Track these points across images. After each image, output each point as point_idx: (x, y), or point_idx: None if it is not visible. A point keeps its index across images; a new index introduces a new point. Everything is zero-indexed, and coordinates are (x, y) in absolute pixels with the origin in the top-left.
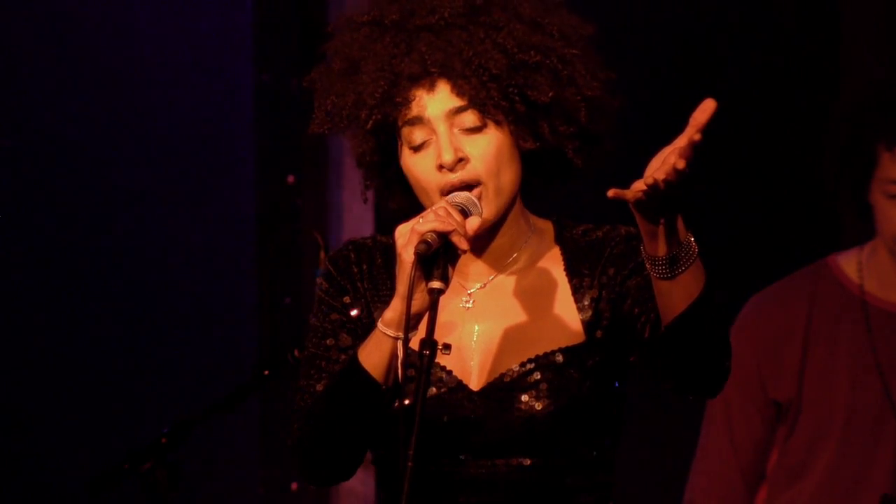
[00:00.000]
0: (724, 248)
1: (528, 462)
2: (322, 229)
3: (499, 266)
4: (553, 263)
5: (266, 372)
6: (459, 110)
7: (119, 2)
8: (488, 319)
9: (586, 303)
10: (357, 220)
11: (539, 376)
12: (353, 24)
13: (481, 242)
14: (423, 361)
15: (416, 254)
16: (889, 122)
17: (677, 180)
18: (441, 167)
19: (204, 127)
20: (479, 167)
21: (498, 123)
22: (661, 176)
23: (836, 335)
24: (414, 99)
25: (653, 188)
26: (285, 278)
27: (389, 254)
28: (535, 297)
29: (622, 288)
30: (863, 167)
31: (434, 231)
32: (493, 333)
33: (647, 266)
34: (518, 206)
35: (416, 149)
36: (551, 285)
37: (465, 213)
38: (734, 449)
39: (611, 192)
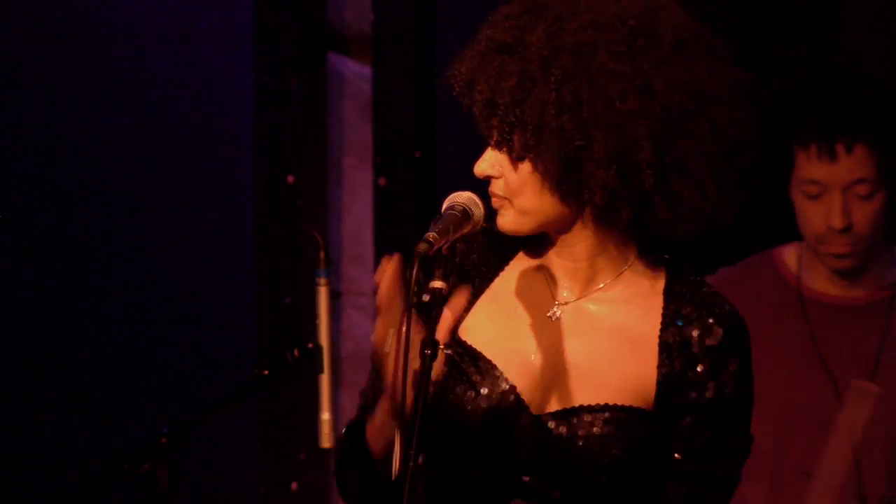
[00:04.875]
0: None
1: (567, 498)
2: (321, 229)
3: (585, 290)
4: (651, 312)
5: (266, 372)
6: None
7: (119, 2)
8: (569, 340)
9: (664, 377)
10: (357, 220)
11: (605, 423)
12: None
13: (559, 255)
14: (423, 362)
15: (418, 253)
16: (802, 120)
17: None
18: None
19: (204, 127)
20: (501, 185)
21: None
22: None
23: (776, 326)
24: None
25: None
26: (285, 278)
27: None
28: (619, 336)
29: (685, 404)
30: (781, 166)
31: (437, 231)
32: (569, 359)
33: None
34: (604, 235)
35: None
36: (639, 334)
37: (467, 213)
38: None
39: None
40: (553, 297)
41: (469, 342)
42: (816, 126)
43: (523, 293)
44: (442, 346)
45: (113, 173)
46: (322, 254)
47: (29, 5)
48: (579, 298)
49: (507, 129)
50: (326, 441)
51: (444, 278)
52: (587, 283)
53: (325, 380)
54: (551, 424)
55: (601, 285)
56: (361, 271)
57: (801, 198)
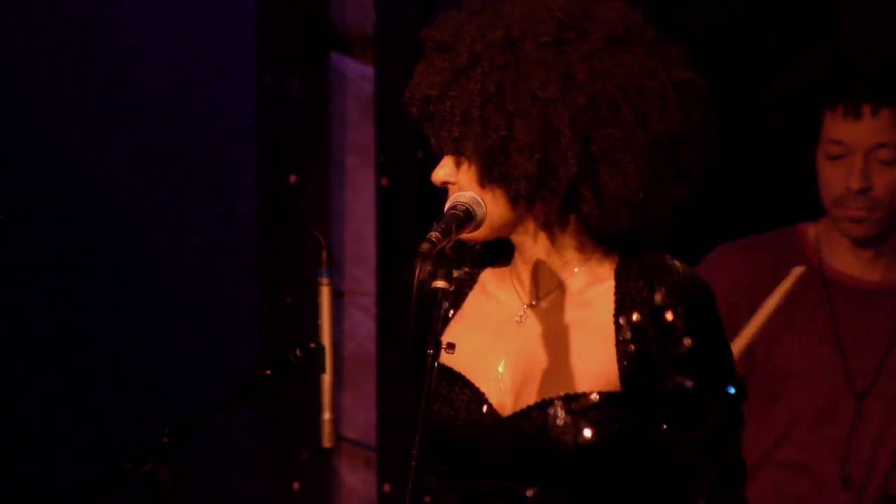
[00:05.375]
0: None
1: (549, 496)
2: (324, 229)
3: (546, 290)
4: (604, 297)
5: (267, 372)
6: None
7: (121, 2)
8: (534, 340)
9: (626, 356)
10: (359, 220)
11: (575, 412)
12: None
13: (521, 260)
14: (427, 360)
15: (421, 252)
16: (833, 81)
17: None
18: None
19: (206, 127)
20: (455, 190)
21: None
22: None
23: (798, 300)
24: None
25: None
26: (286, 278)
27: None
28: (579, 328)
29: (663, 370)
30: (809, 132)
31: (440, 231)
32: (535, 358)
33: None
34: (556, 236)
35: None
36: (596, 322)
37: (470, 213)
38: None
39: None
40: (521, 301)
41: (439, 360)
42: (845, 85)
43: (492, 302)
44: (445, 346)
45: (114, 173)
46: (324, 254)
47: (29, 5)
48: (541, 299)
49: (440, 126)
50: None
51: (447, 278)
52: (547, 283)
53: (326, 380)
54: (522, 424)
55: (558, 284)
56: (364, 271)
57: (823, 160)
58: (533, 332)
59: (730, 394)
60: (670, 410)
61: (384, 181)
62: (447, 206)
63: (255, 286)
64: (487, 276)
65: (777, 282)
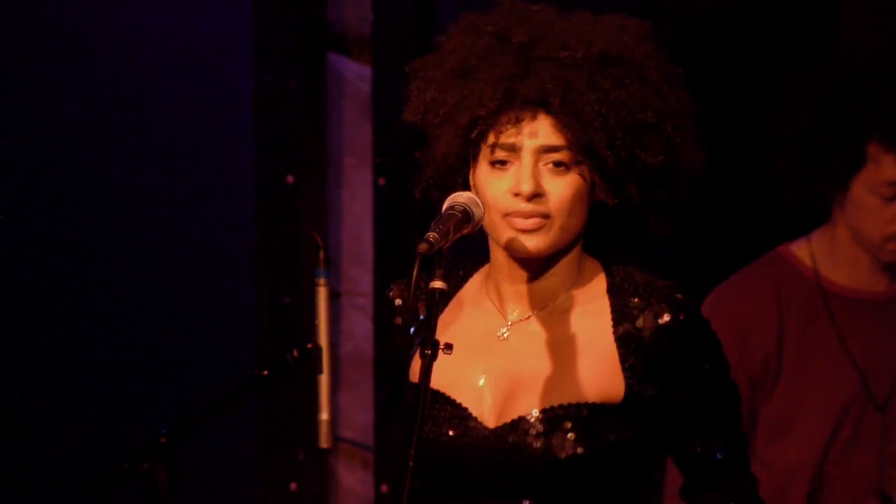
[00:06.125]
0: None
1: None
2: (321, 230)
3: (542, 305)
4: (599, 311)
5: (265, 372)
6: (553, 150)
7: (119, 2)
8: (521, 355)
9: (631, 366)
10: (357, 220)
11: (566, 425)
12: (477, 31)
13: (528, 275)
14: (423, 362)
15: (419, 253)
16: (885, 118)
17: None
18: (517, 195)
19: (204, 127)
20: (552, 205)
21: (590, 172)
22: None
23: (804, 324)
24: (515, 122)
25: None
26: (285, 279)
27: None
28: (574, 341)
29: (671, 396)
30: (845, 163)
31: (438, 231)
32: (522, 371)
33: None
34: (576, 252)
35: (496, 166)
36: (595, 333)
37: (467, 214)
38: None
39: None
40: (504, 318)
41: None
42: None
43: (466, 319)
44: (442, 347)
45: (113, 173)
46: (322, 254)
47: (29, 6)
48: (529, 317)
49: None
50: (325, 441)
51: (445, 278)
52: (537, 301)
53: (324, 380)
54: (509, 436)
55: (550, 300)
56: (361, 271)
57: (874, 198)
58: (518, 347)
59: (733, 386)
60: (678, 412)
61: (381, 181)
62: (445, 206)
63: (252, 286)
64: (468, 290)
65: (783, 307)
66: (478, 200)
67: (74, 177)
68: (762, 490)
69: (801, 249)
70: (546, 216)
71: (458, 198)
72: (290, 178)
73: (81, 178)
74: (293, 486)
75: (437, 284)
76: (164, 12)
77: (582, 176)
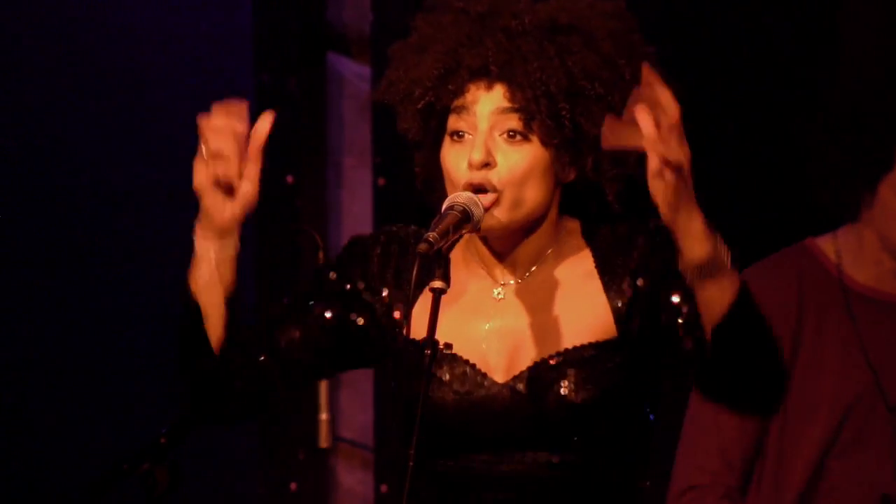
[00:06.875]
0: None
1: (557, 459)
2: (321, 229)
3: (528, 267)
4: (583, 261)
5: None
6: (506, 111)
7: (119, 2)
8: (519, 312)
9: (619, 302)
10: (356, 220)
11: (571, 369)
12: (446, 7)
13: (506, 246)
14: (424, 361)
15: (419, 253)
16: None
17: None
18: (470, 165)
19: None
20: (503, 176)
21: (542, 142)
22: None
23: (822, 318)
24: (468, 91)
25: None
26: (284, 278)
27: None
28: (565, 292)
29: (658, 300)
30: (874, 164)
31: (438, 231)
32: (522, 326)
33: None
34: (550, 221)
35: (455, 137)
36: (582, 282)
37: (467, 214)
38: (719, 435)
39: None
40: (494, 280)
41: (420, 339)
42: None
43: (464, 283)
44: (442, 346)
45: (112, 173)
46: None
47: (29, 5)
48: (519, 279)
49: None
50: (325, 441)
51: (444, 278)
52: (523, 264)
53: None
54: (520, 387)
55: (537, 261)
56: None
57: None
58: (516, 304)
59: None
60: (675, 309)
61: (381, 181)
62: (444, 206)
63: (252, 286)
64: (452, 255)
65: (804, 299)
66: (477, 200)
67: (74, 177)
68: (766, 481)
69: (826, 244)
70: (493, 189)
71: (458, 198)
72: (289, 178)
73: (81, 178)
74: (293, 486)
75: (437, 284)
76: (164, 12)
77: (539, 148)
